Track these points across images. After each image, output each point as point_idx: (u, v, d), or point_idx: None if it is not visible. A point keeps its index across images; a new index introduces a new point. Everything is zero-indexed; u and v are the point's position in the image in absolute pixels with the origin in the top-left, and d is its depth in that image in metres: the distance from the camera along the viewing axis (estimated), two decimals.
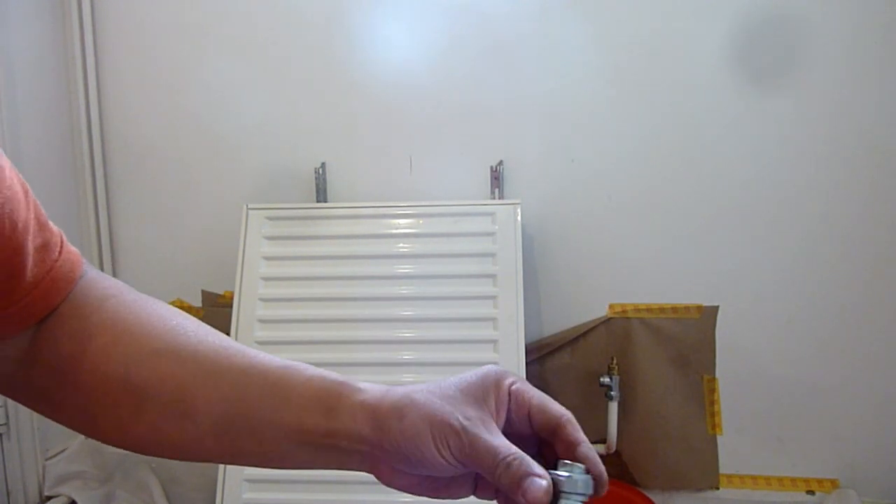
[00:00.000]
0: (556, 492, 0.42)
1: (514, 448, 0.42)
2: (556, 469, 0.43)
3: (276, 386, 0.46)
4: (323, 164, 1.68)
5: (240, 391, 0.46)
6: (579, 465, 0.43)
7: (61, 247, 0.49)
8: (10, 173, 0.45)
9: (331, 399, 0.45)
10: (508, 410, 0.45)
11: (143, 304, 0.50)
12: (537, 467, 0.42)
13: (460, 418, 0.43)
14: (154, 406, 0.46)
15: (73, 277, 0.49)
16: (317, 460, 0.46)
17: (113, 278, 0.53)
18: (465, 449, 0.42)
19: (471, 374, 0.45)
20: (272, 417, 0.45)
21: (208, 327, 0.50)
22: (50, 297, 0.48)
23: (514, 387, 0.46)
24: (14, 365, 0.48)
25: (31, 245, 0.46)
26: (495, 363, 1.45)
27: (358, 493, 1.40)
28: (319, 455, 0.45)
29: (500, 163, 1.62)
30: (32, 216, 0.47)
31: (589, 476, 0.43)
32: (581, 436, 0.44)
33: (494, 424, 0.44)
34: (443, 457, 0.42)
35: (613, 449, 1.61)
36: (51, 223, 0.49)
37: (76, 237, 1.79)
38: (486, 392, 0.44)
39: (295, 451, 0.45)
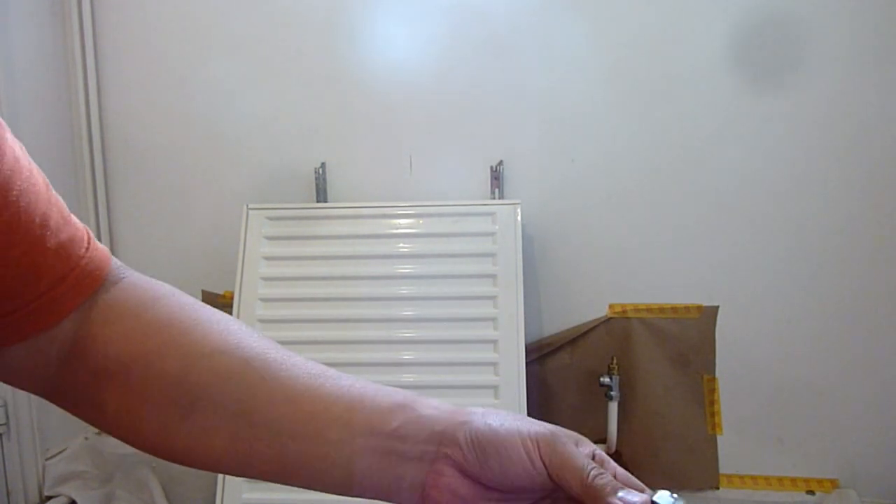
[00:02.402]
0: None
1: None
2: None
3: (349, 388, 0.44)
4: (323, 164, 1.68)
5: (310, 392, 0.44)
6: (666, 492, 0.42)
7: (88, 242, 0.48)
8: (29, 166, 0.44)
9: (406, 399, 0.44)
10: None
11: (197, 306, 0.49)
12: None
13: (551, 428, 0.42)
14: (209, 405, 0.44)
15: (100, 275, 0.48)
16: (374, 471, 0.43)
17: (160, 281, 0.51)
18: (556, 451, 0.41)
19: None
20: (340, 417, 0.43)
21: (270, 339, 0.48)
22: (77, 293, 0.46)
23: (597, 451, 0.45)
24: (56, 365, 0.47)
25: (52, 240, 0.45)
26: (495, 363, 1.46)
27: None
28: (379, 462, 0.43)
29: (500, 163, 1.62)
30: (54, 210, 0.46)
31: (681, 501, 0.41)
32: None
33: None
34: (528, 454, 0.41)
35: (613, 449, 1.61)
36: (75, 218, 0.48)
37: None
38: (569, 437, 0.44)
39: (356, 456, 0.43)
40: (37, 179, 0.45)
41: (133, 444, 0.47)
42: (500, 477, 0.41)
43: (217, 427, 0.44)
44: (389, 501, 0.44)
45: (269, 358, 0.45)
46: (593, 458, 0.44)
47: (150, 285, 0.50)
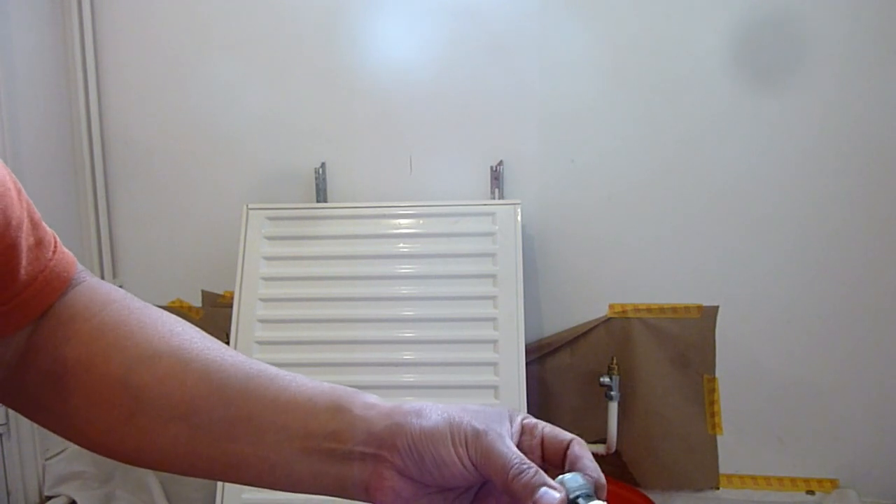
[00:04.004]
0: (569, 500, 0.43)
1: (529, 461, 0.43)
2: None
3: (284, 390, 0.45)
4: (323, 164, 1.68)
5: (244, 394, 0.45)
6: (577, 472, 0.44)
7: (55, 246, 0.49)
8: (3, 171, 0.45)
9: (342, 400, 0.45)
10: (520, 443, 0.46)
11: (146, 310, 0.49)
12: (552, 481, 0.42)
13: (480, 424, 0.44)
14: (150, 408, 0.45)
15: (67, 277, 0.49)
16: (314, 472, 0.45)
17: (115, 286, 0.52)
18: (482, 450, 0.43)
19: (483, 406, 0.47)
20: (276, 420, 0.44)
21: (214, 339, 0.49)
22: (45, 296, 0.47)
23: (525, 420, 0.47)
24: (7, 369, 0.48)
25: (24, 243, 0.45)
26: (495, 363, 1.46)
27: None
28: (319, 464, 0.44)
29: (500, 163, 1.62)
30: (26, 215, 0.46)
31: (588, 480, 0.44)
32: (586, 452, 0.45)
33: (510, 439, 0.44)
34: (459, 457, 0.43)
35: (613, 449, 1.61)
36: (44, 224, 0.48)
37: (76, 237, 1.79)
38: (501, 418, 0.46)
39: (294, 458, 0.44)
40: (10, 184, 0.45)
41: (84, 446, 0.48)
42: (438, 479, 0.44)
43: (159, 430, 0.45)
44: (339, 496, 0.45)
45: (207, 359, 0.46)
46: (522, 430, 0.46)
47: (104, 290, 0.50)
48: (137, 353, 0.46)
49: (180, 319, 0.50)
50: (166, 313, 0.50)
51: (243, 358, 0.47)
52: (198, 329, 0.49)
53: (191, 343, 0.47)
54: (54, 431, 0.49)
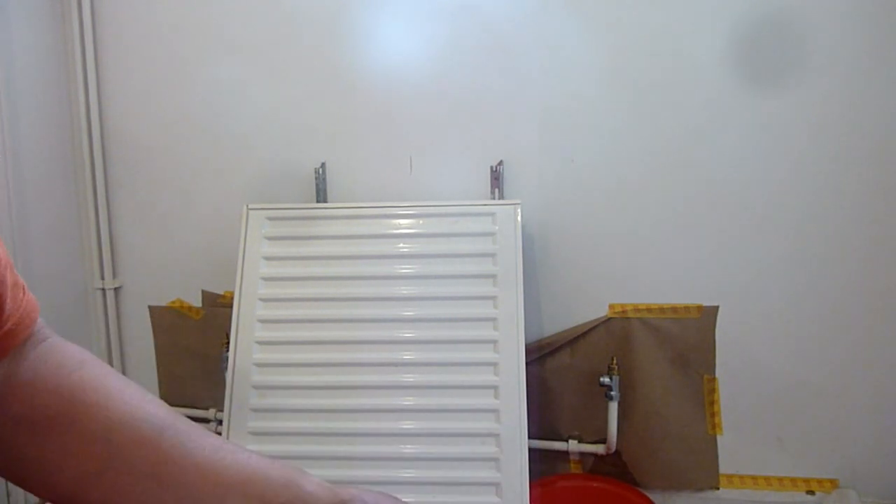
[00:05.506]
0: None
1: None
2: None
3: (245, 464, 0.51)
4: (323, 164, 1.68)
5: (213, 463, 0.50)
6: None
7: (24, 289, 0.53)
8: None
9: (294, 477, 0.51)
10: None
11: (119, 375, 0.54)
12: None
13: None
14: (124, 466, 0.49)
15: (34, 317, 0.53)
16: None
17: (81, 348, 0.56)
18: None
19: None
20: (238, 488, 0.50)
21: (179, 413, 0.54)
22: (20, 331, 0.51)
23: None
24: None
25: (9, 280, 0.49)
26: (495, 363, 1.46)
27: None
28: None
29: (500, 163, 1.62)
30: (5, 256, 0.50)
31: None
32: None
33: None
34: None
35: (613, 449, 1.61)
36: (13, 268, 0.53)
37: (76, 237, 1.79)
38: None
39: None
40: None
41: (43, 494, 0.51)
42: None
43: (130, 485, 0.49)
44: None
45: (179, 429, 0.52)
46: None
47: (75, 349, 0.55)
48: (118, 415, 0.50)
49: (143, 389, 0.55)
50: (130, 380, 0.55)
51: (204, 430, 0.53)
52: (159, 399, 0.55)
53: (165, 412, 0.52)
54: (12, 478, 0.51)
